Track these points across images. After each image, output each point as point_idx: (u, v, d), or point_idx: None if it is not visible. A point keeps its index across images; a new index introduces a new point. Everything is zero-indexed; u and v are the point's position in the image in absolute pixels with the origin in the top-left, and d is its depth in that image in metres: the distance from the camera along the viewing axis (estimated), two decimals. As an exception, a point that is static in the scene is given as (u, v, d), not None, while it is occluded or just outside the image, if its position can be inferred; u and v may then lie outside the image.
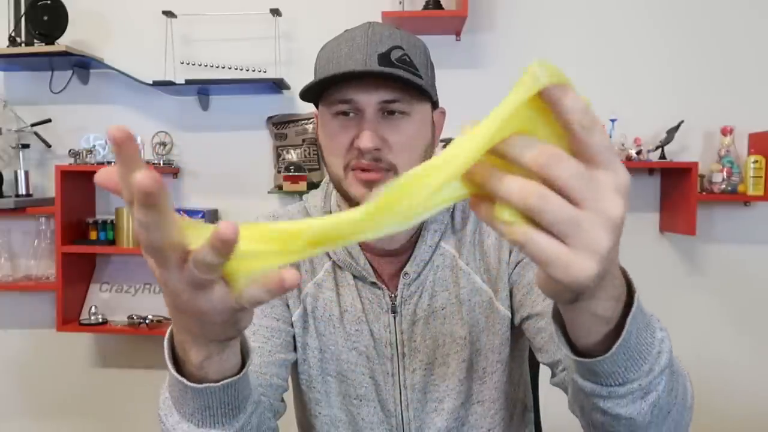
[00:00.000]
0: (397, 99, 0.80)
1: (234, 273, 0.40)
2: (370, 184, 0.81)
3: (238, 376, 0.54)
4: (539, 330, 0.81)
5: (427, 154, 0.86)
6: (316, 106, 0.89)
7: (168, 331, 0.54)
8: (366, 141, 0.79)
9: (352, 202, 0.83)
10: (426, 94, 0.82)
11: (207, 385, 0.53)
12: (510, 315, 0.89)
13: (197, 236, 0.39)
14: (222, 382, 0.53)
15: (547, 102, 0.37)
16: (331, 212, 0.93)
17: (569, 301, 0.45)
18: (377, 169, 0.80)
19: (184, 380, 0.53)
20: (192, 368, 0.52)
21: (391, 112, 0.81)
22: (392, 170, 0.81)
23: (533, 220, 0.37)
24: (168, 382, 0.58)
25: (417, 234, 0.90)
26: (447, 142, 2.23)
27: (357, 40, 0.81)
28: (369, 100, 0.80)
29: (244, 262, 0.39)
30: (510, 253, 0.88)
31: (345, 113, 0.82)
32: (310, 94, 0.84)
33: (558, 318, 0.52)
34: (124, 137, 0.36)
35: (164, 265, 0.40)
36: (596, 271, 0.37)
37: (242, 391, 0.57)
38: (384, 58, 0.79)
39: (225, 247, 0.37)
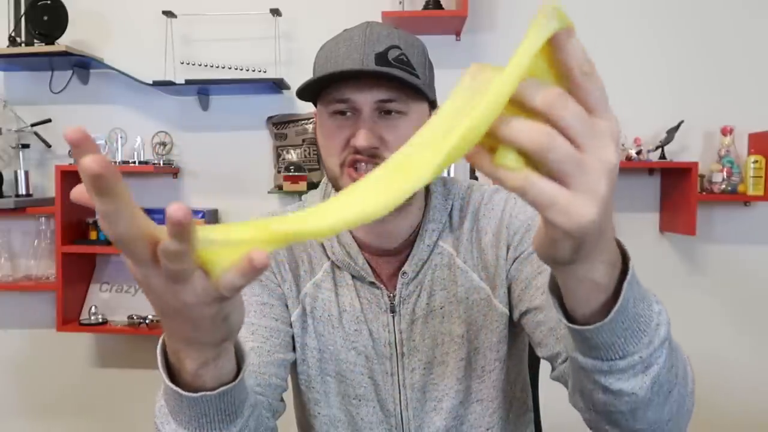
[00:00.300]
0: (393, 98, 0.80)
1: (210, 263, 0.40)
2: None
3: (234, 382, 0.54)
4: (538, 324, 0.81)
5: None
6: (315, 106, 0.89)
7: (160, 341, 0.53)
8: (362, 140, 0.79)
9: None
10: (423, 94, 0.82)
11: (203, 393, 0.52)
12: (508, 312, 0.89)
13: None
14: (218, 390, 0.53)
15: (553, 46, 0.38)
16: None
17: (566, 262, 0.45)
18: (374, 164, 0.80)
19: (179, 390, 0.52)
20: (187, 376, 0.51)
21: (388, 112, 0.81)
22: None
23: (534, 166, 0.38)
24: (163, 391, 0.57)
25: (415, 233, 0.90)
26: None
27: (355, 40, 0.81)
28: (365, 99, 0.80)
29: (219, 252, 0.40)
30: (507, 249, 0.88)
31: (342, 112, 0.82)
32: (308, 93, 0.84)
33: (555, 291, 0.52)
34: (80, 137, 0.35)
35: (138, 260, 0.40)
36: (596, 215, 0.38)
37: (238, 396, 0.56)
38: (381, 58, 0.79)
39: (181, 229, 0.36)
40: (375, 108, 0.81)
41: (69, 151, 2.27)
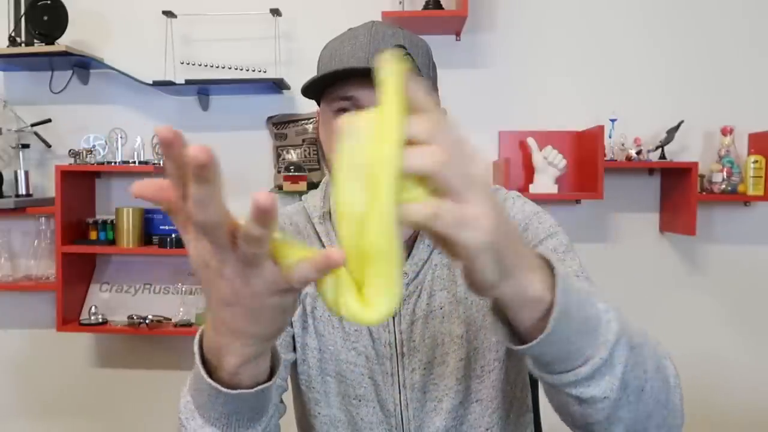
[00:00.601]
0: None
1: (282, 254, 0.43)
2: None
3: (270, 382, 0.55)
4: None
5: None
6: (318, 104, 0.89)
7: (197, 337, 0.54)
8: None
9: None
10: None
11: (240, 391, 0.53)
12: None
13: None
14: (256, 388, 0.53)
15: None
16: (330, 213, 0.93)
17: (495, 282, 0.46)
18: None
19: (218, 386, 0.52)
20: (225, 374, 0.52)
21: None
22: None
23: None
24: (192, 387, 0.58)
25: (415, 233, 0.90)
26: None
27: (360, 39, 0.81)
28: (370, 97, 0.80)
29: (291, 245, 0.43)
30: None
31: (346, 110, 0.82)
32: (312, 91, 0.84)
33: (498, 314, 0.53)
34: (172, 137, 0.40)
35: (219, 244, 0.42)
36: (495, 216, 0.42)
37: (269, 395, 0.57)
38: None
39: (265, 215, 0.39)
40: None
41: (69, 151, 2.26)
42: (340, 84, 0.81)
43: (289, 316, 0.49)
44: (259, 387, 0.53)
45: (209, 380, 0.53)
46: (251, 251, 0.41)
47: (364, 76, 0.79)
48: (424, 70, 0.83)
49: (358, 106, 0.81)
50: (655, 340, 0.63)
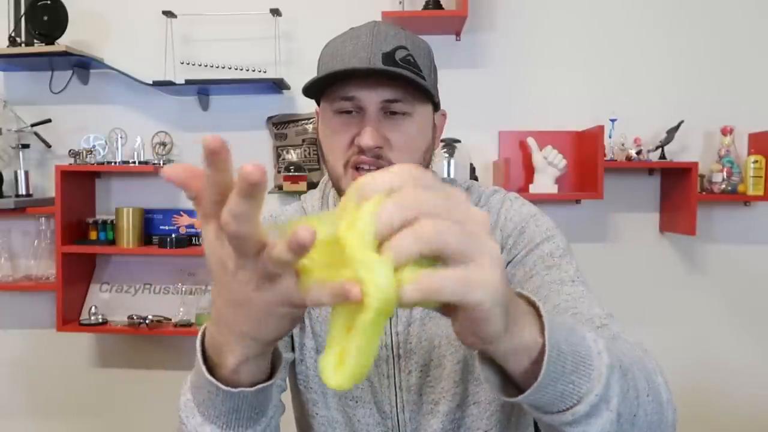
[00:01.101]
0: (399, 99, 0.80)
1: (306, 272, 0.42)
2: None
3: (270, 381, 0.55)
4: None
5: (427, 155, 0.86)
6: (318, 103, 0.89)
7: (200, 334, 0.54)
8: (367, 139, 0.79)
9: None
10: (428, 96, 0.82)
11: (241, 389, 0.53)
12: None
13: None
14: (256, 387, 0.53)
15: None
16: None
17: (500, 333, 0.44)
18: (378, 166, 0.80)
19: (218, 383, 0.52)
20: (225, 372, 0.52)
21: (393, 112, 0.81)
22: None
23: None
24: (192, 384, 0.58)
25: None
26: (449, 142, 2.22)
27: (362, 39, 0.80)
28: (371, 98, 0.80)
29: (319, 269, 0.41)
30: (501, 252, 0.88)
31: (347, 110, 0.82)
32: (312, 90, 0.84)
33: (487, 364, 0.51)
34: (220, 147, 0.41)
35: (243, 253, 0.42)
36: (501, 269, 0.40)
37: (269, 395, 0.57)
38: (388, 58, 0.79)
39: (300, 249, 0.38)
40: (380, 108, 0.80)
41: (69, 151, 2.26)
42: (341, 84, 0.80)
43: (296, 324, 0.49)
44: (259, 386, 0.53)
45: (209, 377, 0.53)
46: (273, 271, 0.42)
47: (365, 77, 0.79)
48: (426, 71, 0.83)
49: (359, 107, 0.81)
50: (641, 352, 0.62)
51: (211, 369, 0.54)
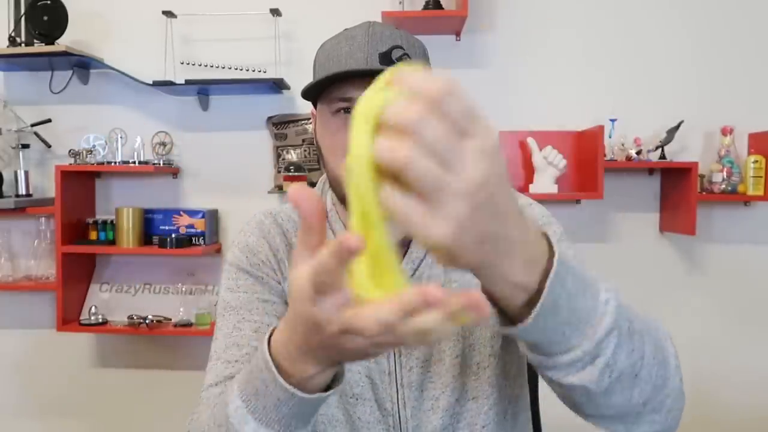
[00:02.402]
0: None
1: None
2: None
3: (339, 385, 0.57)
4: None
5: None
6: (315, 105, 0.89)
7: (265, 342, 0.56)
8: None
9: None
10: None
11: (319, 395, 0.55)
12: None
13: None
14: (329, 392, 0.56)
15: (404, 86, 0.39)
16: (326, 211, 0.93)
17: (469, 266, 0.45)
18: None
19: (296, 391, 0.54)
20: (297, 379, 0.54)
21: None
22: None
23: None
24: (246, 391, 0.59)
25: None
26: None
27: (358, 39, 0.81)
28: None
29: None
30: None
31: (346, 110, 0.82)
32: (310, 93, 0.84)
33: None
34: (316, 210, 0.43)
35: (324, 293, 0.44)
36: (449, 235, 0.39)
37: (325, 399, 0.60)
38: (385, 57, 0.79)
39: (348, 255, 0.40)
40: None
41: (69, 151, 2.26)
42: (339, 85, 0.81)
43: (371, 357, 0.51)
44: (332, 391, 0.56)
45: (286, 385, 0.54)
46: (326, 280, 0.43)
47: (363, 77, 0.79)
48: None
49: None
50: (656, 322, 0.63)
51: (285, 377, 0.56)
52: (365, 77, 0.79)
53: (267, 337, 0.56)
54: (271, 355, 0.56)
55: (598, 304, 0.52)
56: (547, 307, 0.48)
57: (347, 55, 0.80)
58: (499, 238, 0.44)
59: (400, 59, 0.80)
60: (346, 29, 0.85)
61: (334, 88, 0.81)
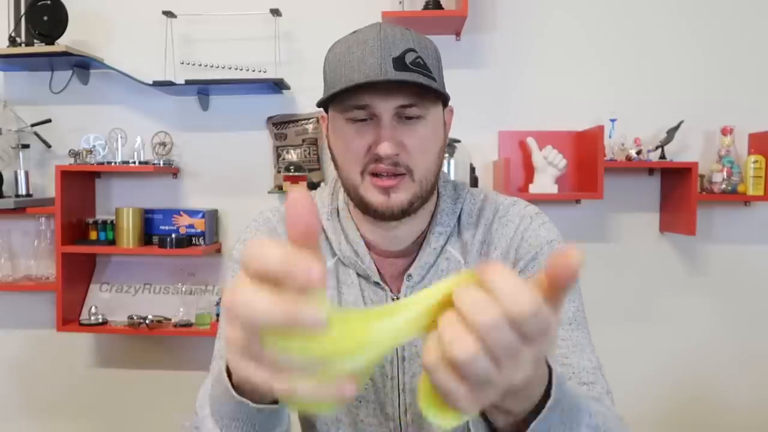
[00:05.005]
0: (413, 104, 0.79)
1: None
2: (387, 191, 0.81)
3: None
4: None
5: (441, 154, 0.86)
6: (326, 110, 0.87)
7: (224, 364, 0.56)
8: (386, 148, 0.78)
9: (368, 209, 0.83)
10: (441, 96, 0.82)
11: (268, 406, 0.56)
12: None
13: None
14: (281, 404, 0.56)
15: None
16: (337, 210, 0.93)
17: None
18: (394, 174, 0.80)
19: (247, 401, 0.55)
20: (250, 387, 0.54)
21: (408, 117, 0.80)
22: (409, 173, 0.81)
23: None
24: (214, 397, 0.60)
25: (423, 236, 0.90)
26: (449, 142, 2.23)
27: (369, 44, 0.79)
28: (386, 105, 0.79)
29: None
30: (513, 265, 0.87)
31: (361, 119, 0.81)
32: (323, 99, 0.83)
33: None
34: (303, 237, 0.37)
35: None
36: (478, 409, 0.40)
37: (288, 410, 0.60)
38: (399, 62, 0.78)
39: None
40: (395, 114, 0.80)
41: (69, 151, 2.26)
42: (354, 92, 0.79)
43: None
44: (279, 405, 0.56)
45: (234, 393, 0.55)
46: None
47: (376, 84, 0.77)
48: (435, 71, 0.82)
49: (372, 114, 0.80)
50: (624, 429, 0.64)
51: (232, 382, 0.56)
52: (379, 84, 0.78)
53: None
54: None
55: (584, 429, 0.53)
56: None
57: (360, 61, 0.78)
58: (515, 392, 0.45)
59: (414, 62, 0.79)
60: (355, 31, 0.83)
61: (347, 95, 0.80)
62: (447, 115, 0.90)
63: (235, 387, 0.56)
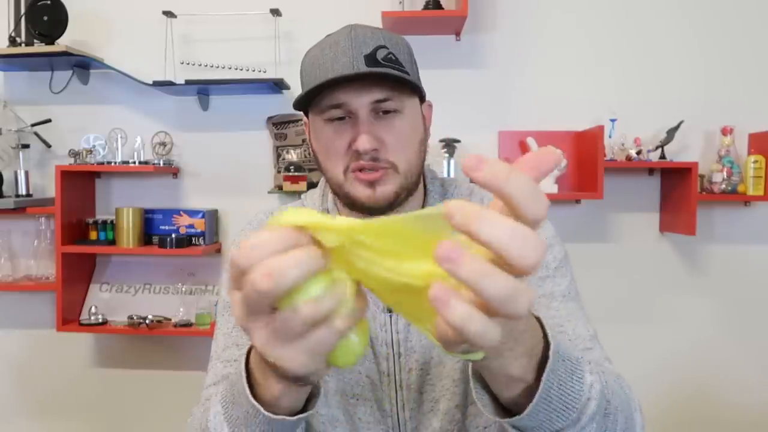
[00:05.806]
0: (388, 98, 0.81)
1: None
2: (372, 184, 0.82)
3: (308, 412, 0.57)
4: None
5: (422, 146, 0.87)
6: (306, 114, 0.89)
7: (245, 351, 0.56)
8: (364, 143, 0.79)
9: (355, 204, 0.84)
10: (414, 89, 0.83)
11: (282, 417, 0.54)
12: None
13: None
14: (296, 417, 0.55)
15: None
16: (328, 211, 0.93)
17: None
18: (378, 167, 0.81)
19: (260, 407, 0.54)
20: (267, 396, 0.54)
21: (385, 111, 0.82)
22: (392, 168, 0.82)
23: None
24: (226, 398, 0.60)
25: None
26: (449, 142, 2.22)
27: (341, 44, 0.80)
28: (361, 101, 0.80)
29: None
30: None
31: (339, 117, 0.82)
32: (301, 103, 0.84)
33: (478, 376, 0.53)
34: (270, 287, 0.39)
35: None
36: (495, 338, 0.38)
37: (300, 424, 0.59)
38: (370, 59, 0.79)
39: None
40: (371, 109, 0.81)
41: (69, 151, 2.26)
42: (328, 92, 0.80)
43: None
44: (300, 416, 0.55)
45: (252, 400, 0.54)
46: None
47: (351, 81, 0.79)
48: (408, 66, 0.83)
49: (349, 111, 0.81)
50: (629, 393, 0.65)
51: (255, 388, 0.55)
52: (353, 81, 0.79)
53: (249, 347, 0.56)
54: (249, 363, 0.56)
55: (584, 388, 0.53)
56: (542, 398, 0.50)
57: (332, 61, 0.79)
58: (514, 331, 0.45)
59: (385, 58, 0.80)
60: (328, 35, 0.85)
61: (323, 95, 0.81)
62: (426, 110, 0.91)
63: (256, 396, 0.55)
